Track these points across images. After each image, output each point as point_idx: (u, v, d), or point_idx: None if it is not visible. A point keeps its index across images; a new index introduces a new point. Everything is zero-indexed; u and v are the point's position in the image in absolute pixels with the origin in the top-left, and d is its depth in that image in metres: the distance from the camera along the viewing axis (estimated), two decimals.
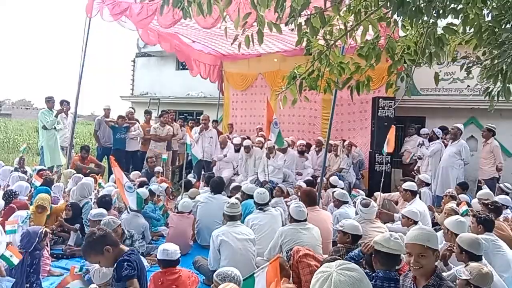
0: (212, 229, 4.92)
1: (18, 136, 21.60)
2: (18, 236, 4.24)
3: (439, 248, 3.75)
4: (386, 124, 8.42)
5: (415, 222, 4.73)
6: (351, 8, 2.26)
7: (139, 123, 9.96)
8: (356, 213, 4.95)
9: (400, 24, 2.52)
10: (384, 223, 5.43)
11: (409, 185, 5.95)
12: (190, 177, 8.75)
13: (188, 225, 5.74)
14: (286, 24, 2.32)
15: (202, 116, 9.67)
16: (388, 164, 8.33)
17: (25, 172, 7.65)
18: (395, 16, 2.39)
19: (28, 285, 3.93)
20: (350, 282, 1.44)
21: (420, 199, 6.31)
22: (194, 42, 10.27)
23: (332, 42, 2.41)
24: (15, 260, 3.66)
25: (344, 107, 9.70)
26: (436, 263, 2.64)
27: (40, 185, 6.25)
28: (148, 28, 8.44)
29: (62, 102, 9.04)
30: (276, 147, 8.37)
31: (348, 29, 2.36)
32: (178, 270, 3.87)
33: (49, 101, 8.83)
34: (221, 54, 11.31)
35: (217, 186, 6.27)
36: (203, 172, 9.14)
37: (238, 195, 6.36)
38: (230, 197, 6.30)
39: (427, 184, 7.12)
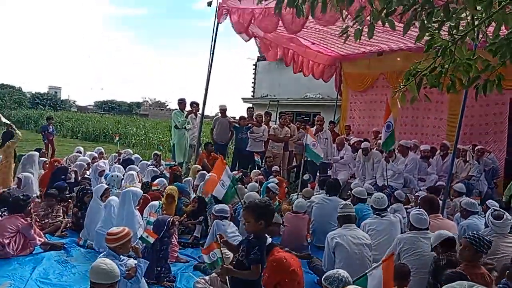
0: (327, 230, 4.90)
1: (153, 134, 24.09)
2: None
3: None
4: None
5: None
6: None
7: (268, 127, 10.08)
8: (486, 225, 4.47)
9: None
10: None
11: None
12: (306, 177, 8.80)
13: (303, 225, 5.79)
14: (401, 19, 2.20)
15: (316, 118, 9.66)
16: None
17: (156, 166, 8.63)
18: None
19: (158, 269, 4.34)
20: None
21: None
22: (313, 44, 10.37)
23: (459, 37, 2.21)
24: (151, 239, 4.11)
25: (476, 109, 8.81)
26: None
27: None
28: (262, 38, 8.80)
29: (191, 104, 9.91)
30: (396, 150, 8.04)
31: (477, 23, 2.13)
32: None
33: (181, 103, 9.81)
34: (340, 55, 11.20)
35: (333, 188, 6.22)
36: (318, 174, 9.12)
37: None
38: (346, 199, 6.20)
39: None
